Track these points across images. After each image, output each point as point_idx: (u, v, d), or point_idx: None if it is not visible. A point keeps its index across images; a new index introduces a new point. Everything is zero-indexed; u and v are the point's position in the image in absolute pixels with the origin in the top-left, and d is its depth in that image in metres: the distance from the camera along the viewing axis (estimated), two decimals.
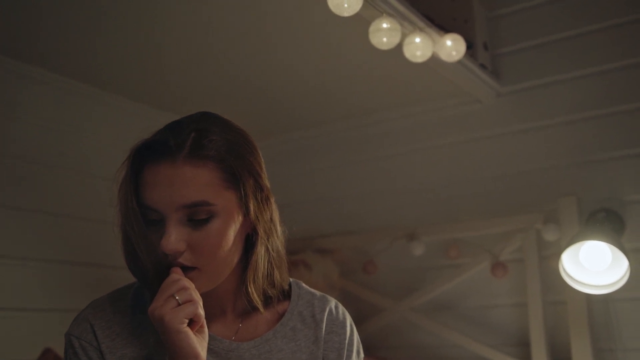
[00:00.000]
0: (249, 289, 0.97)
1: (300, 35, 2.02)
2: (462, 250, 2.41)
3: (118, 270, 2.37)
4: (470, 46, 2.29)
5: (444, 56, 2.00)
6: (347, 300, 2.47)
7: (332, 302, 1.09)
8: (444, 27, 2.10)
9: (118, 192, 0.95)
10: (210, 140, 0.92)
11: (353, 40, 1.99)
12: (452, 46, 1.98)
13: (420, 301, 2.47)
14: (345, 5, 1.59)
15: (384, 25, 1.76)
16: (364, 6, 1.65)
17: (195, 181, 0.90)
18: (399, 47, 1.85)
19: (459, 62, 2.10)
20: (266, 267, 0.98)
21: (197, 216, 0.91)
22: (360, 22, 1.78)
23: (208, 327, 0.98)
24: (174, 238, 0.90)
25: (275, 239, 1.00)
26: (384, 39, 1.77)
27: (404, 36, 1.86)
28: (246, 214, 0.95)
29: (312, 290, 1.11)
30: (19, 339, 2.01)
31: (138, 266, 0.96)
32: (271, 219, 0.99)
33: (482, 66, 2.35)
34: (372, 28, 1.78)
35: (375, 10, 1.76)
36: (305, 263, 2.50)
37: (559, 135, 2.33)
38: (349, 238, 2.63)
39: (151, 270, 0.93)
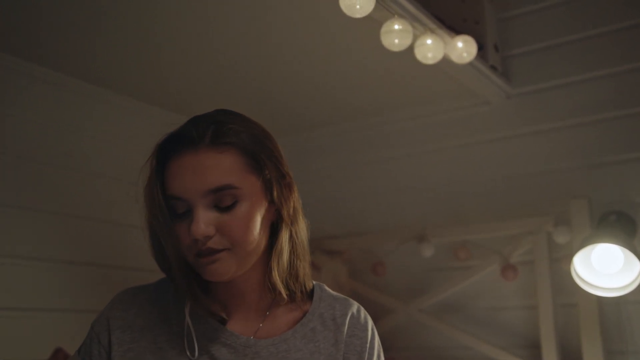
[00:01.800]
0: (273, 274, 0.98)
1: (309, 36, 2.02)
2: (472, 252, 2.40)
3: (130, 271, 2.39)
4: (480, 47, 2.28)
5: (455, 58, 1.99)
6: (356, 301, 2.46)
7: (354, 306, 1.09)
8: (455, 29, 2.09)
9: (145, 188, 0.98)
10: (230, 129, 0.95)
11: (362, 41, 1.99)
12: (463, 47, 1.97)
13: (430, 303, 2.47)
14: (358, 7, 1.58)
15: (396, 27, 1.76)
16: (375, 7, 1.64)
17: (218, 166, 0.93)
18: (409, 49, 1.85)
19: (470, 63, 2.09)
20: (289, 255, 1.01)
21: (223, 202, 0.93)
22: (371, 23, 1.78)
23: (230, 323, 1.00)
24: (203, 222, 0.91)
25: (298, 227, 1.02)
26: (396, 41, 1.77)
27: (415, 38, 1.86)
28: (270, 200, 0.98)
29: (335, 293, 1.11)
30: (30, 339, 2.01)
31: (165, 260, 0.98)
32: (294, 207, 1.01)
33: (493, 68, 2.34)
34: (383, 29, 1.77)
35: (386, 12, 1.76)
36: (314, 264, 2.50)
37: (570, 137, 2.32)
38: (358, 239, 2.62)
39: (175, 264, 0.95)
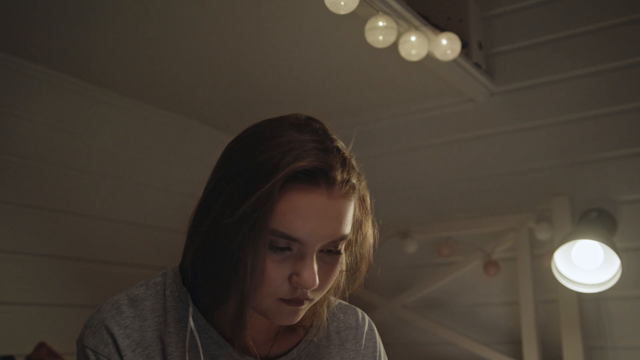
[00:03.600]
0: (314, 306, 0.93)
1: (296, 33, 2.02)
2: (455, 249, 2.42)
3: (112, 266, 2.38)
4: (465, 45, 2.29)
5: (439, 55, 2.00)
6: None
7: (358, 315, 1.06)
8: (439, 26, 2.10)
9: (241, 209, 0.79)
10: (352, 165, 0.85)
11: (347, 38, 2.00)
12: (447, 45, 1.98)
13: (413, 299, 2.48)
14: (342, 3, 1.59)
15: (380, 24, 1.76)
16: (360, 4, 1.65)
17: (347, 215, 0.83)
18: (393, 46, 1.86)
19: (454, 61, 2.11)
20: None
21: (335, 247, 0.84)
22: (356, 20, 1.79)
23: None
24: (316, 274, 0.81)
25: (340, 280, 0.94)
26: (380, 37, 1.77)
27: (399, 34, 1.87)
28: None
29: (332, 299, 1.04)
30: (13, 334, 2.00)
31: (216, 287, 0.84)
32: (359, 260, 0.93)
33: (477, 65, 2.35)
34: (368, 26, 1.78)
35: (371, 9, 1.77)
36: None
37: (552, 134, 2.34)
38: None
39: (254, 298, 0.82)
